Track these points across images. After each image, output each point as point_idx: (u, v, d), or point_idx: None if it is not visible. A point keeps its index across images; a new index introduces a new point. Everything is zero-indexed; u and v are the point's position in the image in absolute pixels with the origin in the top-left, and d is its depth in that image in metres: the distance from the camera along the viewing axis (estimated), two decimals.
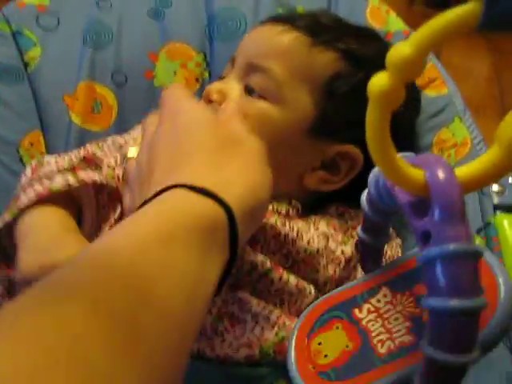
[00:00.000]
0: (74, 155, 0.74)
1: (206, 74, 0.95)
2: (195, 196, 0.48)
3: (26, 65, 0.89)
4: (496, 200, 0.77)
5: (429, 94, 0.88)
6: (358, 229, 0.55)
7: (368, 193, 0.50)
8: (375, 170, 0.48)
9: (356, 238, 0.72)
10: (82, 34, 0.93)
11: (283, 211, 0.71)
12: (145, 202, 0.48)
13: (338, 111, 0.72)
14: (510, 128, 0.36)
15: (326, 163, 0.75)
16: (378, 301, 0.51)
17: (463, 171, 0.40)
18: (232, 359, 0.62)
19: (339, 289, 0.58)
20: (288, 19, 0.77)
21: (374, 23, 0.95)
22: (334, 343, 0.51)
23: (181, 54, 0.94)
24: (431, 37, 0.35)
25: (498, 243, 0.73)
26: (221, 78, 0.79)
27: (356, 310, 0.52)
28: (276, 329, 0.64)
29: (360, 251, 0.57)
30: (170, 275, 0.40)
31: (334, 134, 0.73)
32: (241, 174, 0.53)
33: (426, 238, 0.38)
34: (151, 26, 0.95)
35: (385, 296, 0.51)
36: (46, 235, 0.65)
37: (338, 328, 0.52)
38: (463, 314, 0.37)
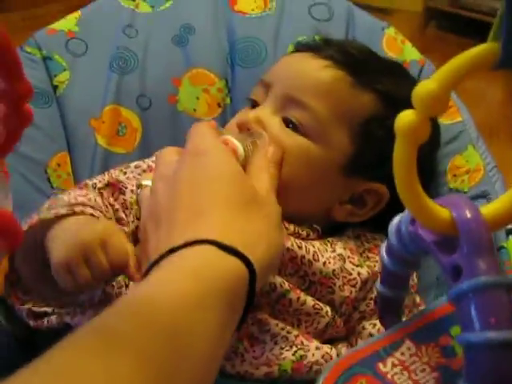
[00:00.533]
0: (99, 180, 0.77)
1: (228, 100, 0.99)
2: (225, 255, 0.52)
3: (54, 88, 0.93)
4: (509, 225, 0.79)
5: (443, 121, 0.90)
6: (377, 283, 0.55)
7: (388, 244, 0.51)
8: (395, 221, 0.49)
9: (372, 260, 0.75)
10: (109, 59, 0.96)
11: (304, 234, 0.74)
12: (173, 250, 0.52)
13: (372, 151, 0.74)
14: None
15: (353, 197, 0.77)
16: (403, 354, 0.50)
17: (488, 209, 0.41)
18: (252, 376, 0.65)
19: (361, 344, 0.56)
20: (324, 49, 0.79)
21: (390, 52, 0.98)
22: None
23: (203, 80, 0.98)
24: (454, 74, 0.37)
25: (511, 267, 0.75)
26: (251, 101, 0.81)
27: (380, 365, 0.50)
28: (294, 348, 0.66)
29: (379, 306, 0.57)
30: (204, 331, 0.45)
31: (366, 172, 0.75)
32: (262, 236, 0.57)
33: (456, 273, 0.40)
34: (175, 52, 0.98)
35: (409, 349, 0.50)
36: (74, 224, 0.67)
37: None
38: (501, 345, 0.37)
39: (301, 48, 0.84)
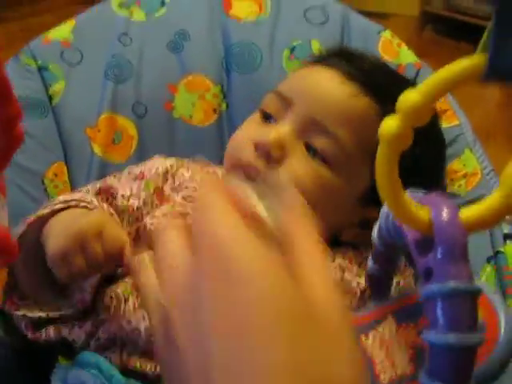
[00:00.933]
0: (91, 186, 0.78)
1: (224, 106, 0.99)
2: None
3: (50, 98, 0.93)
4: (506, 229, 0.79)
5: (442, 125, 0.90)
6: (369, 262, 0.56)
7: (379, 226, 0.52)
8: (385, 207, 0.50)
9: None
10: (104, 67, 0.96)
11: None
12: None
13: None
14: None
15: (362, 222, 0.77)
16: (384, 329, 0.52)
17: (468, 212, 0.41)
18: None
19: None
20: (346, 67, 0.76)
21: (386, 56, 0.98)
22: None
23: (199, 86, 0.98)
24: (439, 86, 0.37)
25: (509, 272, 0.75)
26: (263, 112, 0.79)
27: (363, 338, 0.53)
28: None
29: (369, 282, 0.59)
30: None
31: (379, 202, 0.75)
32: (326, 374, 0.35)
33: (428, 274, 0.40)
34: (170, 58, 0.99)
35: (391, 325, 0.53)
36: (70, 215, 0.68)
37: None
38: (460, 349, 0.39)
39: (319, 61, 0.82)
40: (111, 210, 0.74)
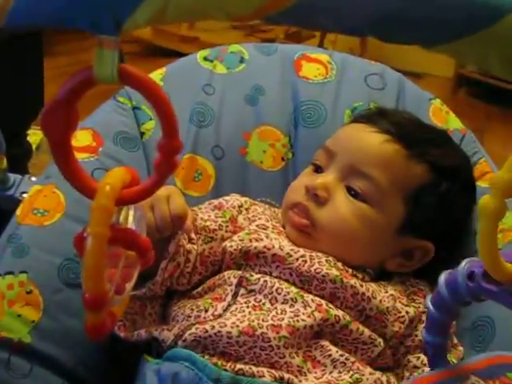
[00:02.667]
0: None
1: (290, 155, 1.11)
2: None
3: (141, 135, 1.05)
4: None
5: (481, 185, 1.01)
6: (423, 332, 0.61)
7: (437, 296, 0.57)
8: (442, 277, 0.56)
9: (417, 302, 0.86)
10: (189, 113, 1.09)
11: (360, 276, 0.86)
12: None
13: (422, 215, 0.88)
14: None
15: (404, 251, 0.90)
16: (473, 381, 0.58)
17: None
18: None
19: (433, 372, 0.62)
20: (380, 122, 0.91)
21: (436, 121, 1.10)
22: None
23: (270, 136, 1.10)
24: None
25: None
26: (314, 165, 0.94)
27: None
28: (351, 372, 0.78)
29: (428, 352, 0.62)
30: None
31: (416, 232, 0.88)
32: None
33: None
34: (247, 110, 1.11)
35: (478, 381, 0.58)
36: None
37: None
38: None
39: (359, 119, 0.97)
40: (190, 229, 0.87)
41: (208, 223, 0.90)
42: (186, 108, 1.09)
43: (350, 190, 0.88)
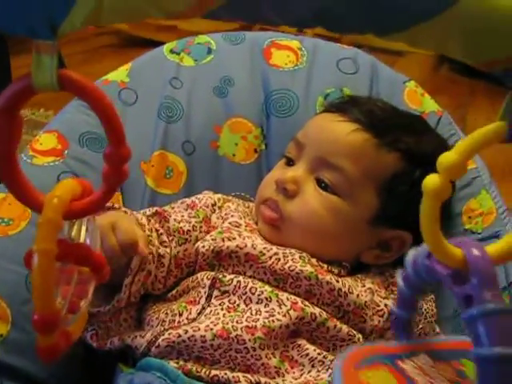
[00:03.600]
0: (149, 209, 0.89)
1: (263, 146, 1.09)
2: None
3: None
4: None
5: None
6: (391, 304, 0.64)
7: (404, 272, 0.57)
8: (410, 254, 0.57)
9: (396, 293, 0.84)
10: (157, 108, 1.06)
11: (336, 271, 0.84)
12: None
13: (396, 205, 0.85)
14: None
15: (380, 243, 0.88)
16: (420, 361, 0.57)
17: (492, 248, 0.50)
18: None
19: (379, 343, 0.67)
20: (351, 110, 0.88)
21: (411, 104, 1.08)
22: (383, 380, 0.56)
23: (241, 128, 1.08)
24: (471, 147, 0.47)
25: None
26: (286, 157, 0.92)
27: (399, 362, 0.57)
28: (330, 370, 0.75)
29: (394, 324, 0.64)
30: None
31: (390, 222, 0.86)
32: None
33: (467, 300, 0.48)
34: (216, 102, 1.09)
35: (426, 360, 0.58)
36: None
37: (385, 370, 0.56)
38: (505, 360, 0.45)
39: (330, 108, 0.94)
40: (161, 231, 0.85)
41: (181, 224, 0.88)
42: (154, 103, 1.07)
43: (320, 183, 0.86)
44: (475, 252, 0.50)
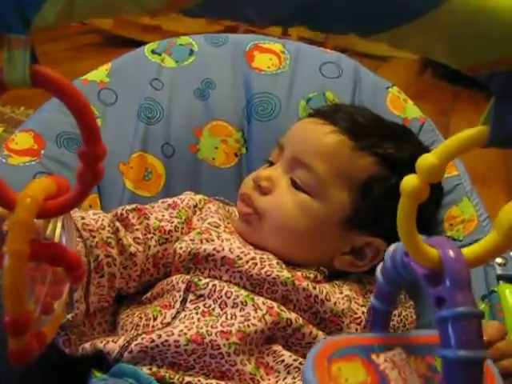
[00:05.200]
0: (129, 205, 0.88)
1: (244, 150, 1.08)
2: None
3: None
4: (499, 271, 0.87)
5: None
6: (372, 298, 0.62)
7: (383, 266, 0.58)
8: (391, 248, 0.57)
9: None
10: (137, 109, 1.05)
11: (311, 276, 0.83)
12: None
13: (370, 209, 0.84)
14: (508, 216, 0.47)
15: (354, 249, 0.86)
16: (394, 355, 0.57)
17: (469, 251, 0.50)
18: None
19: (356, 334, 0.69)
20: (332, 116, 0.88)
21: (394, 110, 1.07)
22: (354, 373, 0.55)
23: (222, 131, 1.07)
24: (451, 150, 0.46)
25: (501, 309, 0.83)
26: (268, 161, 0.91)
27: (373, 355, 0.57)
28: None
29: (371, 316, 0.64)
30: None
31: (364, 228, 0.85)
32: None
33: (440, 302, 0.48)
34: (197, 104, 1.07)
35: (400, 354, 0.57)
36: None
37: (357, 363, 0.57)
38: (470, 363, 0.46)
39: (314, 114, 0.94)
40: (137, 226, 0.84)
41: (163, 223, 0.87)
42: (134, 104, 1.06)
43: (294, 182, 0.85)
44: (450, 253, 0.49)
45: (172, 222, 0.88)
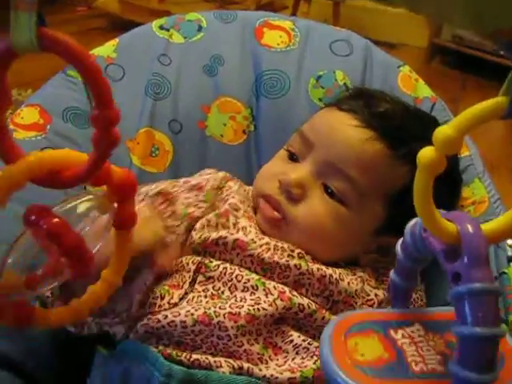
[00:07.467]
0: (150, 189, 0.82)
1: (252, 127, 1.06)
2: None
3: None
4: (510, 252, 0.86)
5: None
6: (391, 272, 0.62)
7: (403, 241, 0.58)
8: (410, 224, 0.57)
9: (386, 284, 0.82)
10: (144, 85, 1.03)
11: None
12: None
13: (402, 216, 0.80)
14: None
15: (380, 248, 0.85)
16: (412, 331, 0.57)
17: (488, 226, 0.49)
18: (277, 380, 0.71)
19: (375, 309, 0.68)
20: (364, 113, 0.82)
21: (405, 89, 1.05)
22: (370, 348, 0.56)
23: (230, 108, 1.05)
24: (468, 122, 0.45)
25: (511, 291, 0.82)
26: (288, 151, 0.87)
27: (391, 331, 0.57)
28: (315, 358, 0.72)
29: (391, 291, 0.64)
30: None
31: (394, 231, 0.82)
32: None
33: (456, 278, 0.47)
34: (205, 80, 1.06)
35: (418, 330, 0.58)
36: None
37: (374, 338, 0.57)
38: (486, 340, 0.46)
39: (339, 105, 0.87)
40: (167, 213, 0.80)
41: (190, 210, 0.83)
42: (142, 79, 1.04)
43: (327, 189, 0.81)
44: (469, 228, 0.48)
45: (200, 208, 0.84)
